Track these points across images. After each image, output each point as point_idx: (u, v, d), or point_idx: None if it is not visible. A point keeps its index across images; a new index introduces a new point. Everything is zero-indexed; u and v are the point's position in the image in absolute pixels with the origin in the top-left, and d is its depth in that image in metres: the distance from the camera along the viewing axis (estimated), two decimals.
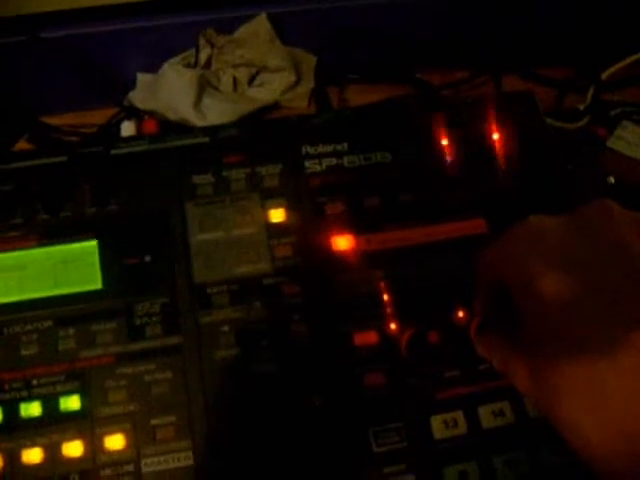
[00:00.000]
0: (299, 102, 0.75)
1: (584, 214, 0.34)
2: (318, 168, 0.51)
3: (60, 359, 0.45)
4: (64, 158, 0.51)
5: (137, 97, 0.73)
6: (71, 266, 0.47)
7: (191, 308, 0.46)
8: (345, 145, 0.52)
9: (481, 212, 0.50)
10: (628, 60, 0.73)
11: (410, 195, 0.50)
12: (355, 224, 0.49)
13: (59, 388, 0.44)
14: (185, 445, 0.43)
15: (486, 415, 0.45)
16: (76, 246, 0.48)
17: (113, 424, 0.43)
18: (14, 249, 0.48)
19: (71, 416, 0.43)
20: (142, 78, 0.74)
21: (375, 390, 0.45)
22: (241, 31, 0.73)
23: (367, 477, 0.43)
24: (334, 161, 0.52)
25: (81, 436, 0.43)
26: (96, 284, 0.47)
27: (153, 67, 0.73)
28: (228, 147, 0.52)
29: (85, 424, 0.43)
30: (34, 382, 0.44)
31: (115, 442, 0.43)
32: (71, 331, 0.45)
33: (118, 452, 0.43)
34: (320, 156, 0.52)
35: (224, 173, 0.51)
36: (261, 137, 0.53)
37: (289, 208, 0.50)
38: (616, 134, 0.70)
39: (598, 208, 0.34)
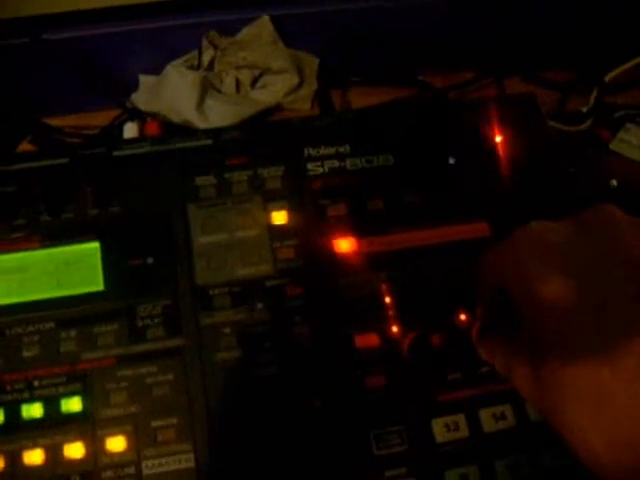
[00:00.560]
0: (302, 104, 0.75)
1: (586, 219, 0.34)
2: (320, 170, 0.51)
3: (62, 361, 0.45)
4: (66, 160, 0.51)
5: (140, 99, 0.73)
6: (73, 268, 0.47)
7: (193, 310, 0.46)
8: (347, 147, 0.52)
9: (484, 215, 0.50)
10: (631, 63, 0.73)
11: (412, 198, 0.50)
12: (357, 226, 0.49)
13: (60, 390, 0.44)
14: (186, 447, 0.43)
15: (487, 418, 0.45)
16: (78, 248, 0.48)
17: (114, 426, 0.43)
18: (16, 250, 0.48)
19: (72, 418, 0.43)
20: (145, 80, 0.74)
21: (376, 393, 0.45)
22: (244, 33, 0.73)
23: None
24: (336, 163, 0.52)
25: (82, 438, 0.43)
26: (98, 286, 0.47)
27: (156, 69, 0.73)
28: (231, 149, 0.52)
29: (86, 426, 0.43)
30: (35, 383, 0.44)
31: (116, 444, 0.43)
32: (73, 333, 0.45)
33: (119, 454, 0.43)
34: (322, 158, 0.52)
35: (226, 175, 0.51)
36: (264, 139, 0.53)
37: (291, 210, 0.50)
38: (619, 137, 0.70)
39: (600, 213, 0.34)
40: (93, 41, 0.71)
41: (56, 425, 0.43)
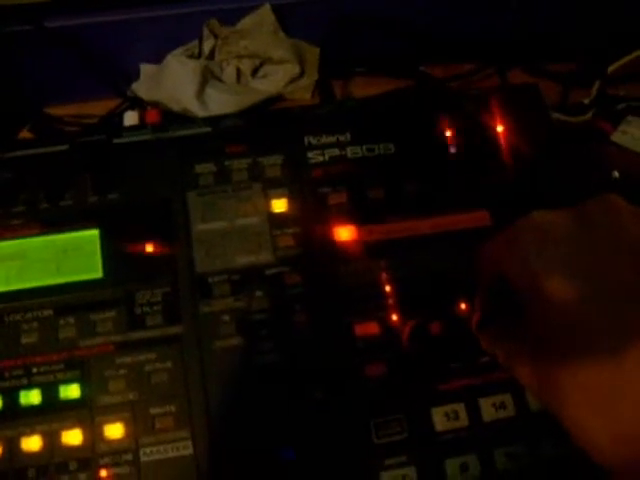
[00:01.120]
0: (303, 94, 0.75)
1: (589, 210, 0.33)
2: (321, 159, 0.51)
3: (60, 348, 0.45)
4: (66, 147, 0.51)
5: (140, 88, 0.72)
6: (72, 255, 0.47)
7: (192, 298, 0.46)
8: (348, 136, 0.52)
9: (485, 204, 0.50)
10: (634, 54, 0.72)
11: (413, 186, 0.50)
12: (357, 215, 0.49)
13: (59, 376, 0.44)
14: (184, 435, 0.43)
15: (487, 407, 0.45)
16: (77, 235, 0.48)
17: (112, 413, 0.43)
18: (15, 237, 0.48)
19: (71, 404, 0.43)
20: (145, 69, 0.73)
21: (376, 381, 0.45)
22: (245, 22, 0.73)
23: (368, 468, 0.43)
24: (337, 152, 0.51)
25: (80, 424, 0.43)
26: (97, 273, 0.47)
27: (157, 58, 0.73)
28: (231, 137, 0.51)
29: (84, 413, 0.43)
30: (34, 370, 0.44)
31: (114, 431, 0.43)
32: (71, 320, 0.45)
33: (117, 441, 0.43)
34: (323, 147, 0.51)
35: (226, 163, 0.50)
36: (264, 127, 0.53)
37: (291, 198, 0.49)
38: (621, 129, 0.69)
39: (603, 204, 0.33)
40: (94, 29, 0.70)
41: (54, 412, 0.43)
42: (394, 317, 0.46)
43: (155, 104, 0.71)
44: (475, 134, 0.53)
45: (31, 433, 0.42)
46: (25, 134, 0.69)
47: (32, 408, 0.43)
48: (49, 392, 0.44)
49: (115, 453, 0.42)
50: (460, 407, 0.45)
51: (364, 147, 0.52)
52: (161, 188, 0.49)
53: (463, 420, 0.44)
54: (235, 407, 0.44)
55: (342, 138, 0.52)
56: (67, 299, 0.46)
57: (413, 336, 0.45)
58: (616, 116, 0.71)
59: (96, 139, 0.51)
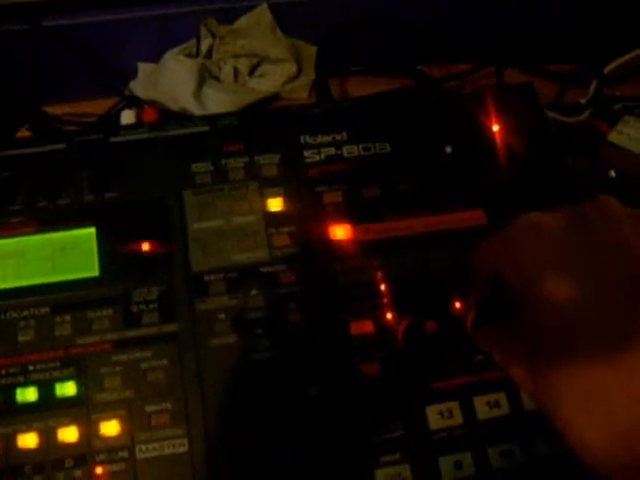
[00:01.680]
0: (300, 93, 0.75)
1: (584, 212, 0.33)
2: (317, 158, 0.51)
3: (56, 345, 0.45)
4: (63, 145, 0.51)
5: (138, 87, 0.73)
6: (69, 253, 0.47)
7: (188, 296, 0.46)
8: (344, 135, 0.52)
9: (480, 203, 0.50)
10: (631, 55, 0.73)
11: (409, 185, 0.50)
12: (353, 213, 0.49)
13: (55, 374, 0.44)
14: (180, 432, 0.43)
15: (481, 406, 0.45)
16: (74, 233, 0.48)
17: (108, 410, 0.43)
18: (13, 235, 0.48)
19: (67, 402, 0.43)
20: (143, 68, 0.74)
21: (371, 379, 0.45)
22: (242, 21, 0.73)
23: (362, 466, 0.43)
24: (333, 151, 0.51)
25: (76, 422, 0.43)
26: (93, 271, 0.47)
27: (154, 57, 0.73)
28: (227, 136, 0.52)
29: (81, 410, 0.43)
30: (30, 368, 0.44)
31: (110, 428, 0.43)
32: (68, 318, 0.45)
33: (113, 438, 0.43)
34: (319, 146, 0.52)
35: (223, 162, 0.50)
36: (260, 126, 0.53)
37: (287, 197, 0.50)
38: (617, 128, 0.70)
39: (598, 206, 0.33)
40: (92, 28, 0.71)
41: (50, 409, 0.43)
42: (389, 316, 0.46)
43: (152, 103, 0.71)
44: (471, 133, 0.53)
45: (27, 430, 0.43)
46: (23, 133, 0.69)
47: (28, 405, 0.43)
48: (45, 389, 0.44)
49: (111, 450, 0.42)
50: (454, 405, 0.45)
51: (360, 146, 0.52)
52: (158, 187, 0.50)
53: (457, 418, 0.44)
54: (231, 404, 0.44)
55: (338, 137, 0.52)
56: (64, 297, 0.46)
57: (408, 335, 0.45)
58: (613, 116, 0.71)
59: (93, 138, 0.51)
